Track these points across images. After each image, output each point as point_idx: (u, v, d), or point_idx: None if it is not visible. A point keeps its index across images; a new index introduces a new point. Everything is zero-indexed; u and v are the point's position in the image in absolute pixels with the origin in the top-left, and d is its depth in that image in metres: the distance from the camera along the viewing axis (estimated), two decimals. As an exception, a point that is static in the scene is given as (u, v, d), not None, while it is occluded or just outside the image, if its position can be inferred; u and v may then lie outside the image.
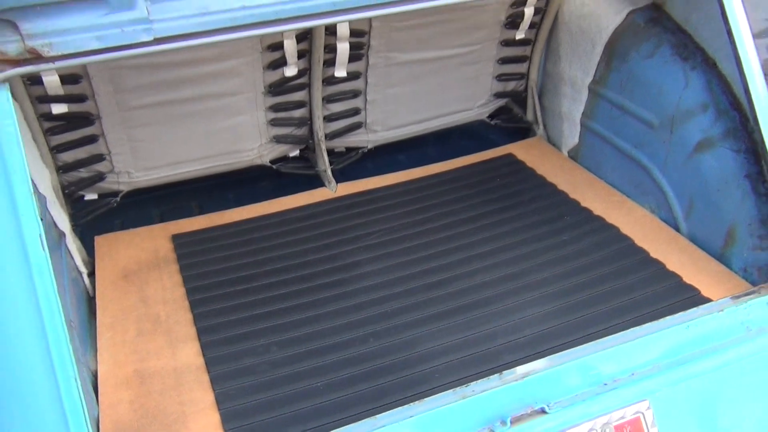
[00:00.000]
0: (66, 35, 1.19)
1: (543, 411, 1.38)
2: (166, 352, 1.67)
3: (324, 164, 2.33)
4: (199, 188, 2.36)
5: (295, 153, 2.43)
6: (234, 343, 1.68)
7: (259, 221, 2.17)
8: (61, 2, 1.17)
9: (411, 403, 1.38)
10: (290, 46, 2.11)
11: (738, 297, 1.60)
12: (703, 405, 1.47)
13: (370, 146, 2.49)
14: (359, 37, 2.21)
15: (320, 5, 1.36)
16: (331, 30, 2.14)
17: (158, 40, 1.25)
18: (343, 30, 2.14)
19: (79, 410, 1.20)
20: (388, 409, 1.38)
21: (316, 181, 2.37)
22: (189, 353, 1.67)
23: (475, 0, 2.24)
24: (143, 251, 2.05)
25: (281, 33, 2.03)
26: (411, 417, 1.35)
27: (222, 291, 1.86)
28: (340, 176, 2.37)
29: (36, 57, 1.19)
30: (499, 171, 2.36)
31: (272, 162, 2.40)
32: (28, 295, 1.18)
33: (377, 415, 1.36)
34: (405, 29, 2.26)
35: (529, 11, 2.37)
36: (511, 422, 1.36)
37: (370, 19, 2.17)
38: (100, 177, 2.19)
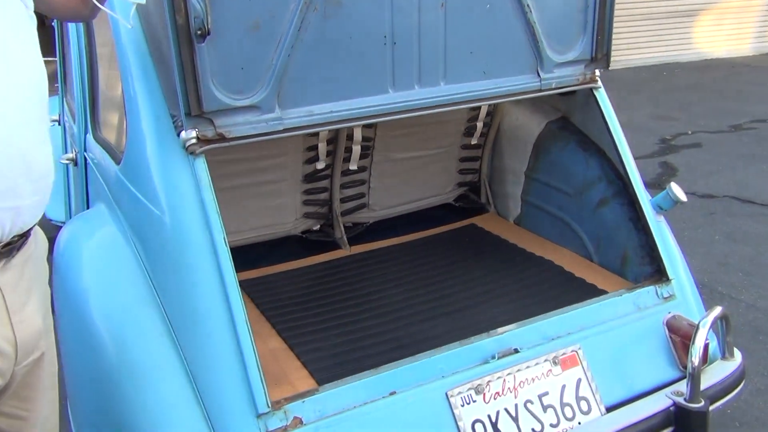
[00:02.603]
0: (238, 126, 2.08)
1: (516, 350, 2.22)
2: (259, 344, 2.43)
3: (341, 233, 3.21)
4: (247, 255, 3.16)
5: (317, 227, 3.31)
6: (305, 335, 2.47)
7: (300, 270, 3.00)
8: (236, 108, 2.07)
9: (432, 349, 2.20)
10: (322, 148, 3.05)
11: (631, 288, 2.52)
12: (610, 347, 2.35)
13: (371, 221, 3.39)
14: (367, 142, 3.17)
15: (365, 111, 2.29)
16: (349, 136, 3.10)
17: (286, 130, 2.15)
18: (357, 136, 3.10)
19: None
20: None
21: (332, 245, 3.23)
22: (275, 342, 2.44)
23: (443, 115, 3.25)
24: (220, 291, 2.84)
25: (317, 137, 3.00)
26: (436, 355, 2.17)
27: (285, 309, 2.66)
28: (351, 242, 3.24)
29: (221, 138, 2.07)
30: (467, 234, 3.29)
31: (302, 233, 3.26)
32: (224, 299, 1.99)
33: (412, 356, 2.17)
34: (397, 137, 3.23)
35: (479, 124, 3.40)
36: (498, 357, 2.20)
37: (375, 129, 3.15)
38: None
